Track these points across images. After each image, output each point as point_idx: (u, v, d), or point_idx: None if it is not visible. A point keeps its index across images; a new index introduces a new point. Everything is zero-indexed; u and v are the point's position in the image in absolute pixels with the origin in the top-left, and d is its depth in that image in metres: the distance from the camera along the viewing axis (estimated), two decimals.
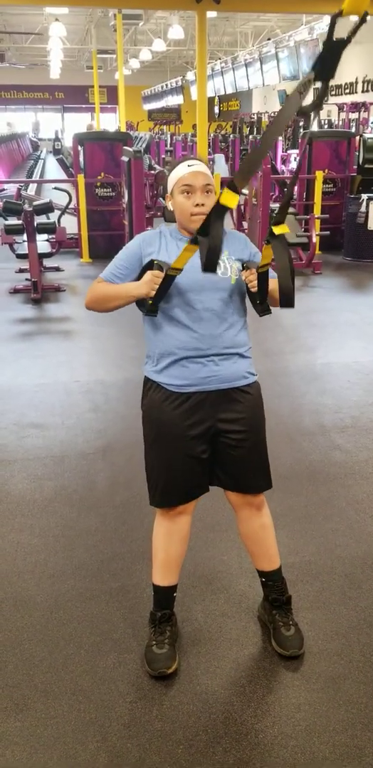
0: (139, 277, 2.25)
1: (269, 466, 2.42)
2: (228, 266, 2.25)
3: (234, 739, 2.09)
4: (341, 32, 1.76)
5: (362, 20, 1.70)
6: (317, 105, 1.87)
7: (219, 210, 1.84)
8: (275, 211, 2.33)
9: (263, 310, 2.27)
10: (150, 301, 2.18)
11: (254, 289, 2.22)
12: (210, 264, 1.87)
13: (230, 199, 1.80)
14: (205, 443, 2.29)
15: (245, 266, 2.25)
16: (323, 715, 2.18)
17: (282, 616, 2.45)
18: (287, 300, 2.11)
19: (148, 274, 2.17)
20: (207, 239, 1.85)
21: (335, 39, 1.75)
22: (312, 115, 1.93)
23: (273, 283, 2.23)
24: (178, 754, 2.05)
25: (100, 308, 2.34)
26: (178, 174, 2.24)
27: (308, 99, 1.84)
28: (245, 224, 9.38)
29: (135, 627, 2.55)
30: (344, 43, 1.75)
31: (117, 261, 2.33)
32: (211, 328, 2.23)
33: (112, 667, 2.37)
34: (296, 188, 10.47)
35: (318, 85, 1.83)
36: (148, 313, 2.23)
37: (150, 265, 2.20)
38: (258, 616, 2.60)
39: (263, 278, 2.20)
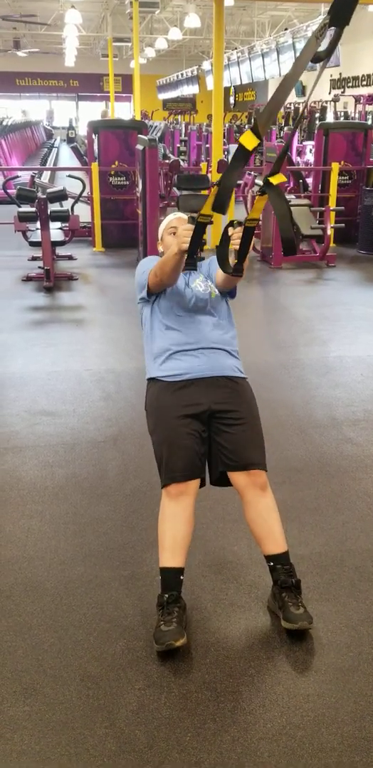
0: None
1: (264, 447, 2.57)
2: (207, 286, 2.69)
3: (242, 728, 2.10)
4: None
5: None
6: (329, 52, 1.85)
7: (239, 153, 1.93)
8: (291, 202, 2.35)
9: (236, 270, 2.29)
10: (186, 254, 2.27)
11: (236, 248, 2.27)
12: (218, 204, 2.00)
13: (250, 141, 1.91)
14: (202, 423, 2.49)
15: (235, 223, 2.29)
16: (331, 706, 2.18)
17: (291, 597, 2.45)
18: (288, 247, 2.14)
19: (179, 229, 2.35)
20: (222, 178, 1.97)
21: None
22: (322, 64, 1.91)
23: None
24: (186, 742, 2.05)
25: (162, 278, 2.52)
26: (167, 221, 2.78)
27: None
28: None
29: (144, 615, 2.55)
30: None
31: (140, 267, 2.72)
32: (198, 329, 2.60)
33: (121, 654, 2.37)
34: (311, 180, 10.42)
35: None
36: (187, 267, 2.32)
37: None
38: (268, 606, 2.60)
39: (248, 234, 2.22)
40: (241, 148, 1.91)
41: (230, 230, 2.29)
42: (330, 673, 2.31)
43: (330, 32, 1.84)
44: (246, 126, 19.93)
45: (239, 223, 2.27)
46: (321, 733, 2.09)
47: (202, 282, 2.69)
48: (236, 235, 2.28)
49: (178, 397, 2.51)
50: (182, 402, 2.49)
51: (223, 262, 2.32)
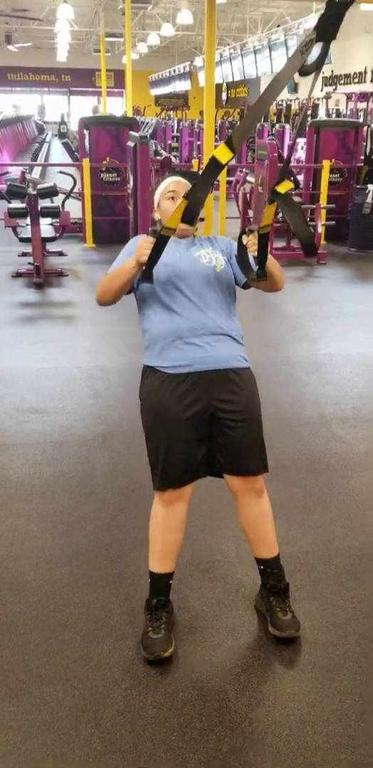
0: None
1: (266, 449, 2.45)
2: (213, 257, 2.44)
3: (228, 728, 2.10)
4: None
5: None
6: (318, 66, 1.86)
7: (212, 166, 1.89)
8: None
9: (259, 276, 2.27)
10: (144, 267, 2.18)
11: (254, 253, 2.23)
12: (188, 214, 1.95)
13: (224, 154, 1.87)
14: (202, 424, 2.33)
15: (247, 231, 2.27)
16: (317, 705, 2.18)
17: (279, 602, 2.45)
18: (308, 248, 2.12)
19: (139, 241, 2.23)
20: (192, 191, 1.92)
21: (337, 0, 1.75)
22: (314, 75, 1.91)
23: (273, 265, 2.33)
24: (172, 741, 2.05)
25: (108, 294, 2.42)
26: (164, 185, 2.53)
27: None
28: (251, 212, 9.33)
29: (131, 614, 2.55)
30: (346, 5, 1.76)
31: (118, 257, 2.47)
32: (202, 312, 2.35)
33: (107, 654, 2.37)
34: (302, 177, 10.42)
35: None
36: (144, 280, 2.22)
37: None
38: (255, 605, 2.60)
39: (263, 241, 2.20)
40: (214, 161, 1.87)
41: (244, 238, 2.25)
42: (316, 671, 2.31)
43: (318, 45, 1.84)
44: (238, 123, 19.90)
45: (251, 231, 2.24)
46: (306, 731, 2.09)
47: (208, 253, 2.45)
48: (251, 242, 2.23)
49: (179, 395, 2.31)
50: (184, 402, 2.30)
51: (245, 269, 2.30)
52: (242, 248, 2.28)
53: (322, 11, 1.80)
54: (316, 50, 1.81)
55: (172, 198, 2.44)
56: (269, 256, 2.31)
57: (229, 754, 2.01)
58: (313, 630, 2.49)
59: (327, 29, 1.77)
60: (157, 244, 2.13)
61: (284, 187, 2.06)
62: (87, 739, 2.06)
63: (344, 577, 2.79)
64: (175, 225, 2.05)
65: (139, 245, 2.20)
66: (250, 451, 2.38)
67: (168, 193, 2.48)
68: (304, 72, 1.85)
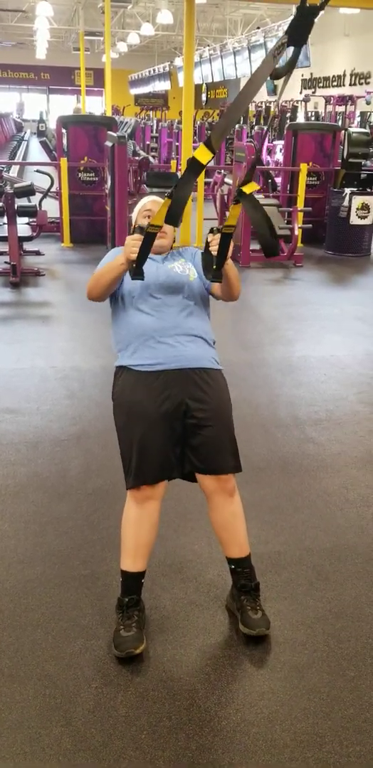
0: None
1: (238, 448, 2.49)
2: (186, 268, 2.58)
3: (197, 726, 2.12)
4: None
5: None
6: (289, 69, 1.91)
7: (193, 166, 1.94)
8: (259, 201, 2.38)
9: (215, 276, 2.32)
10: (134, 264, 2.23)
11: (215, 251, 2.28)
12: (171, 215, 2.00)
13: (204, 155, 1.93)
14: (176, 421, 2.37)
15: (214, 230, 2.32)
16: (285, 703, 2.22)
17: (250, 601, 2.48)
18: (269, 250, 2.16)
19: (127, 239, 2.29)
20: (175, 190, 1.97)
21: (307, 5, 1.81)
22: (284, 78, 1.95)
23: (230, 270, 2.40)
24: (142, 740, 2.07)
25: (98, 289, 2.47)
26: (141, 204, 2.68)
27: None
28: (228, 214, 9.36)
29: (103, 614, 2.56)
30: (316, 10, 1.82)
31: (103, 261, 2.55)
32: (172, 315, 2.46)
33: (78, 653, 2.38)
34: (279, 179, 10.49)
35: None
36: (135, 277, 2.26)
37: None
38: (226, 605, 2.62)
39: (225, 240, 2.24)
40: (194, 162, 1.93)
41: (210, 236, 2.30)
42: (285, 670, 2.34)
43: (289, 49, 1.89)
44: (216, 123, 19.97)
45: (218, 230, 2.27)
46: (275, 730, 2.12)
47: (181, 264, 2.57)
48: (214, 241, 2.28)
49: (154, 391, 2.36)
50: (157, 400, 2.35)
51: (206, 268, 2.35)
52: (206, 246, 2.32)
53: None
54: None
55: (149, 217, 2.52)
56: (230, 262, 2.37)
57: (197, 752, 2.04)
58: (283, 629, 2.53)
59: (298, 34, 1.82)
60: (144, 242, 2.18)
61: (250, 188, 2.11)
62: (57, 737, 2.07)
63: (314, 578, 2.83)
64: (160, 222, 2.10)
65: (128, 243, 2.28)
66: (221, 450, 2.41)
67: (145, 212, 2.61)
68: (276, 75, 1.89)
